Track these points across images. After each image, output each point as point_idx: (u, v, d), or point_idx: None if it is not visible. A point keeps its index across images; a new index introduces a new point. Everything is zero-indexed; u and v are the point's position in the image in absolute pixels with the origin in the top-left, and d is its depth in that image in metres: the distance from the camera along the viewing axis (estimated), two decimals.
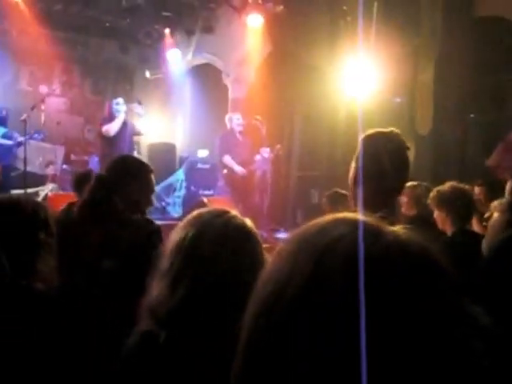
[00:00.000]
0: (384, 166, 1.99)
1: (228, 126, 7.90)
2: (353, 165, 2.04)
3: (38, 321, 1.72)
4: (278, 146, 7.90)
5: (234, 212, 1.46)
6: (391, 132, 2.10)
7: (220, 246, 1.36)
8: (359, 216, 0.61)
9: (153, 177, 2.85)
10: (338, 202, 4.74)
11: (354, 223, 0.59)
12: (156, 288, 1.39)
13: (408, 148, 2.11)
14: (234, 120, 7.74)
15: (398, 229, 0.60)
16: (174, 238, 1.40)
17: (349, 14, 7.67)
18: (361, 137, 1.99)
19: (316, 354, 0.52)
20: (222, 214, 1.43)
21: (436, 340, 0.53)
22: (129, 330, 1.69)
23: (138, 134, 7.43)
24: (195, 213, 1.44)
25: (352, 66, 6.76)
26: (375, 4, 6.74)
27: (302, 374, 0.52)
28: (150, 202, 2.85)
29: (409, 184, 3.61)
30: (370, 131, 2.08)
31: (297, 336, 0.54)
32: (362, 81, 6.65)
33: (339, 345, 0.51)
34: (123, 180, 2.69)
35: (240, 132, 7.77)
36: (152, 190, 2.85)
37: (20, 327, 1.63)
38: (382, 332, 0.52)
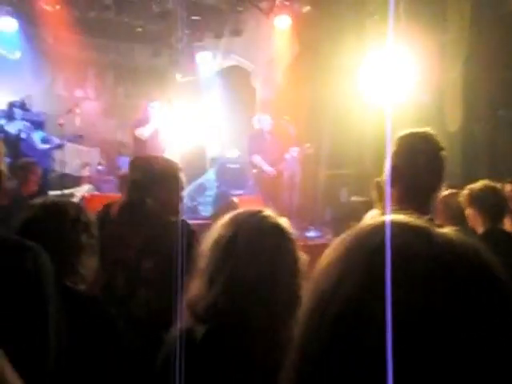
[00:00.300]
0: (420, 166, 2.00)
1: (256, 126, 7.99)
2: (387, 164, 2.01)
3: (81, 322, 1.76)
4: (307, 145, 7.95)
5: (269, 211, 1.51)
6: (427, 132, 2.09)
7: (255, 244, 1.41)
8: (410, 218, 0.61)
9: (182, 176, 2.90)
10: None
11: (404, 225, 0.59)
12: (194, 286, 1.45)
13: (443, 148, 2.10)
14: (263, 121, 7.84)
15: (448, 230, 0.60)
16: (211, 237, 1.46)
17: (375, 13, 7.68)
18: (390, 135, 2.01)
19: (368, 349, 0.52)
20: (258, 214, 1.48)
21: (493, 344, 0.52)
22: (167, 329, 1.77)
23: (168, 137, 7.55)
24: (232, 213, 1.49)
25: (379, 64, 6.76)
26: (401, 2, 6.73)
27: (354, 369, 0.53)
28: (181, 201, 2.91)
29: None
30: (406, 131, 2.07)
31: (348, 335, 0.54)
32: (390, 79, 6.64)
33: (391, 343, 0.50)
34: (152, 183, 2.75)
35: (268, 132, 7.86)
36: (181, 189, 2.91)
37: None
38: (435, 331, 0.51)
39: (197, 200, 8.41)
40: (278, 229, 1.46)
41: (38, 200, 2.01)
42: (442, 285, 0.53)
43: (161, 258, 2.60)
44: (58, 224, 1.84)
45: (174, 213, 2.82)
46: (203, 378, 1.35)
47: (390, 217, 0.60)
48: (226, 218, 1.48)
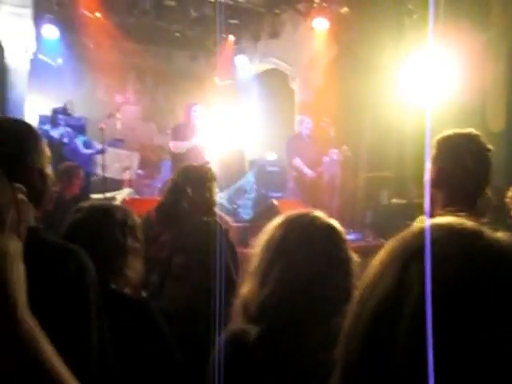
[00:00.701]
0: (468, 167, 1.95)
1: (297, 128, 7.99)
2: (429, 166, 1.98)
3: (126, 324, 1.80)
4: (345, 148, 7.90)
5: (320, 212, 1.52)
6: (471, 133, 2.05)
7: (308, 245, 1.42)
8: (457, 220, 0.59)
9: (215, 183, 3.18)
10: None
11: (450, 227, 0.57)
12: (246, 287, 1.47)
13: (489, 149, 2.06)
14: (304, 123, 7.82)
15: (501, 234, 0.57)
16: (263, 238, 1.48)
17: (415, 12, 7.57)
18: (430, 136, 1.89)
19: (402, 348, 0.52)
20: (309, 214, 1.50)
21: None
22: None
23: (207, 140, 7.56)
24: (283, 214, 1.52)
25: (420, 64, 6.67)
26: (442, 0, 6.62)
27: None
28: (214, 204, 3.17)
29: None
30: (448, 132, 2.03)
31: (381, 330, 0.55)
32: (431, 79, 6.54)
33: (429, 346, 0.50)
34: (187, 187, 3.04)
35: (308, 135, 7.84)
36: (215, 193, 3.17)
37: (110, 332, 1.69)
38: (477, 336, 0.50)
39: (236, 203, 8.43)
40: (329, 229, 1.47)
41: (86, 203, 2.05)
42: (486, 288, 0.52)
43: (191, 254, 2.84)
44: (106, 227, 1.87)
45: (207, 214, 3.08)
46: (256, 378, 1.36)
47: (434, 219, 0.59)
48: (278, 219, 1.50)
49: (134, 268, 1.91)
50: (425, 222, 0.60)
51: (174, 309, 2.71)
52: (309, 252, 1.41)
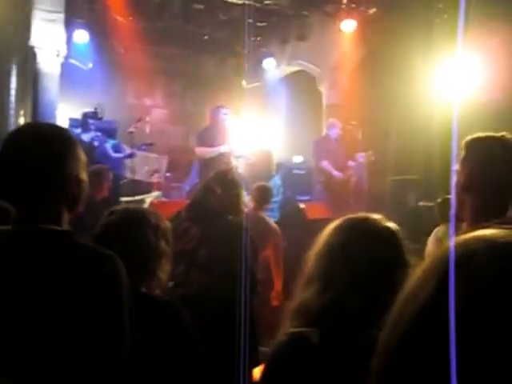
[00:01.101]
0: (501, 171, 1.89)
1: (325, 131, 7.97)
2: (458, 169, 1.92)
3: (157, 326, 1.84)
4: (370, 152, 7.85)
5: (378, 216, 1.53)
6: (504, 136, 1.98)
7: (371, 248, 1.44)
8: (501, 232, 0.57)
9: (242, 188, 3.52)
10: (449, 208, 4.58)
11: (492, 240, 0.55)
12: (304, 290, 1.48)
13: None
14: (335, 128, 7.79)
15: None
16: (322, 242, 1.50)
17: (445, 12, 7.48)
18: (458, 139, 1.90)
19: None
20: (369, 218, 1.51)
21: None
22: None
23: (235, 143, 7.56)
24: (342, 218, 1.53)
25: (449, 65, 6.58)
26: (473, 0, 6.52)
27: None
28: (240, 204, 3.48)
29: None
30: (479, 135, 1.96)
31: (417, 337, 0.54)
32: (460, 80, 6.45)
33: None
34: (217, 188, 3.37)
35: (335, 139, 7.82)
36: (242, 195, 3.50)
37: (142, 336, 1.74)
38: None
39: None
40: (390, 233, 1.48)
41: (120, 206, 2.12)
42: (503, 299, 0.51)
43: (216, 246, 3.17)
44: (141, 230, 1.91)
45: (233, 213, 3.40)
46: (320, 379, 1.37)
47: (478, 232, 0.58)
48: (336, 224, 1.52)
49: (166, 270, 1.96)
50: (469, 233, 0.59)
51: (197, 294, 3.03)
52: (372, 256, 1.42)
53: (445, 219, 4.38)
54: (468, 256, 0.54)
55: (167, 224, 2.02)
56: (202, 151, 6.81)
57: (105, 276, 1.43)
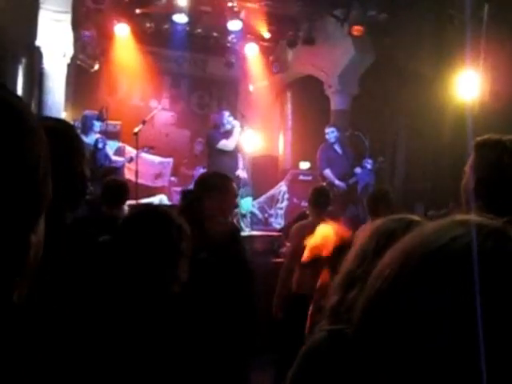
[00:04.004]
0: (509, 176, 1.84)
1: (327, 138, 7.97)
2: (467, 172, 1.90)
3: (181, 329, 1.87)
4: (381, 159, 7.79)
5: (416, 217, 1.48)
6: None
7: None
8: (479, 218, 0.59)
9: (233, 187, 3.59)
10: (379, 201, 4.44)
11: (474, 225, 0.57)
12: (339, 290, 1.47)
13: None
14: (329, 133, 7.77)
15: None
16: (359, 245, 1.48)
17: (456, 18, 7.41)
18: (470, 143, 1.86)
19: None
20: (412, 221, 1.45)
21: None
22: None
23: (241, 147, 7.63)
24: (377, 222, 1.50)
25: (461, 71, 6.49)
26: (486, 5, 6.45)
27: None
28: (231, 208, 3.57)
29: None
30: (490, 136, 1.92)
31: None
32: (471, 87, 6.38)
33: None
34: (204, 193, 3.38)
35: (339, 145, 7.79)
36: (231, 199, 3.57)
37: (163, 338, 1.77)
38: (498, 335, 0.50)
39: (268, 212, 8.36)
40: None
41: (140, 206, 2.17)
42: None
43: (212, 250, 3.18)
44: (165, 230, 1.93)
45: (225, 217, 3.52)
46: (356, 379, 1.32)
47: (457, 217, 0.60)
48: (373, 227, 1.49)
49: (184, 269, 1.99)
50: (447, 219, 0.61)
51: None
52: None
53: (374, 213, 4.29)
54: (450, 240, 0.56)
55: (187, 225, 2.05)
56: (223, 143, 7.14)
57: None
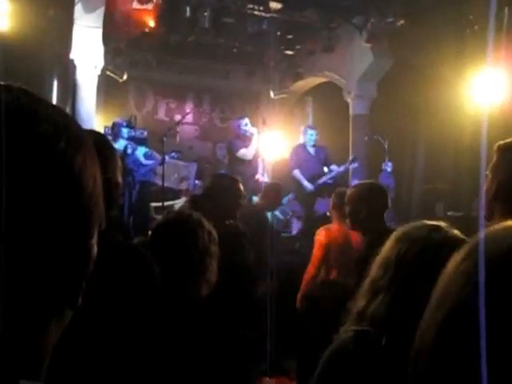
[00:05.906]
0: None
1: (302, 139, 7.95)
2: (488, 176, 1.85)
3: (205, 333, 1.94)
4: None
5: (437, 223, 1.50)
6: None
7: (428, 257, 1.40)
8: None
9: (240, 188, 3.75)
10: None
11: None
12: (365, 296, 1.50)
13: None
14: (308, 136, 7.75)
15: None
16: (385, 251, 1.50)
17: (476, 23, 7.45)
18: (487, 148, 1.87)
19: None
20: (441, 228, 1.48)
21: None
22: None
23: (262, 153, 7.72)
24: (404, 228, 1.52)
25: (480, 76, 6.53)
26: (506, 10, 6.47)
27: None
28: (237, 209, 3.72)
29: None
30: (507, 141, 1.90)
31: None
32: (491, 91, 6.40)
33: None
34: (214, 194, 3.64)
35: (312, 146, 7.74)
36: (238, 200, 3.72)
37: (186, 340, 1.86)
38: None
39: (289, 214, 8.54)
40: (453, 241, 1.41)
41: (172, 211, 2.30)
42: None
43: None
44: (196, 234, 2.04)
45: (230, 217, 3.65)
46: (380, 381, 1.40)
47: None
48: (399, 233, 1.50)
49: (213, 269, 2.09)
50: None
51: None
52: (435, 267, 1.43)
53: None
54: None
55: (215, 230, 2.16)
56: (242, 152, 7.20)
57: (139, 272, 1.59)
